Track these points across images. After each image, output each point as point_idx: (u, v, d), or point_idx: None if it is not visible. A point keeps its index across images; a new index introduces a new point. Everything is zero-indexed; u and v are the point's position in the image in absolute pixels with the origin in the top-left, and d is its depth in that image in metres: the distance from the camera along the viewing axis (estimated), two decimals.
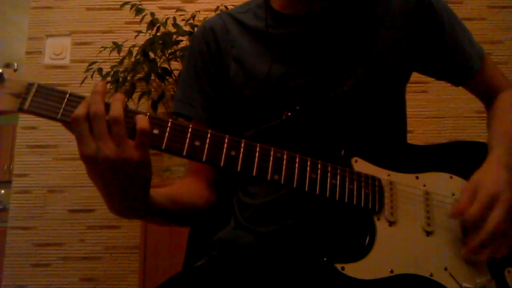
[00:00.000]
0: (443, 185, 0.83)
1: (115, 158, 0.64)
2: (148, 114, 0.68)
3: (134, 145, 0.65)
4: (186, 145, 0.69)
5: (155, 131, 0.68)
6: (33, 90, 0.66)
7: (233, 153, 0.70)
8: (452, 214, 0.78)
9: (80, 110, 0.64)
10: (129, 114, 0.67)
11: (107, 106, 0.65)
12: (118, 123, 0.64)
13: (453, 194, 0.82)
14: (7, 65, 0.70)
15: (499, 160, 0.83)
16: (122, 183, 0.67)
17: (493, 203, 0.75)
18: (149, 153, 0.67)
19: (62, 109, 0.66)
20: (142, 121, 0.66)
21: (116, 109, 0.65)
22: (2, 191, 5.62)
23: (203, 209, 0.94)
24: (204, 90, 0.96)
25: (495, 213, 0.74)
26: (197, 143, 0.69)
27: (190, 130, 0.69)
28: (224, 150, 0.70)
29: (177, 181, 0.96)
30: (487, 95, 1.00)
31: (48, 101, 0.66)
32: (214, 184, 0.97)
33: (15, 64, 0.72)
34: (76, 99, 0.67)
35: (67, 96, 0.67)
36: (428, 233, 0.78)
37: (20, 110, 0.66)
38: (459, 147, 0.93)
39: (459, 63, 0.95)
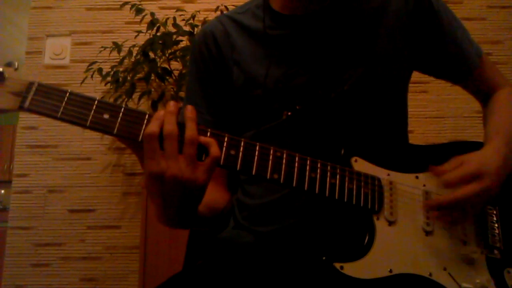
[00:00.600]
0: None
1: (182, 178, 0.65)
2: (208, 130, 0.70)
3: (202, 168, 0.67)
4: None
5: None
6: (34, 88, 0.67)
7: (232, 152, 0.71)
8: (431, 169, 0.81)
9: (153, 128, 0.66)
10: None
11: (180, 124, 0.67)
12: (193, 145, 0.66)
13: None
14: (8, 64, 0.70)
15: (497, 150, 0.83)
16: (182, 201, 0.70)
17: (473, 179, 0.77)
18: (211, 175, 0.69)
19: (62, 108, 0.67)
20: (216, 148, 0.68)
21: (192, 130, 0.67)
22: (2, 191, 5.62)
23: (228, 212, 0.96)
24: (209, 95, 0.96)
25: (469, 186, 0.76)
26: None
27: None
28: (224, 149, 0.70)
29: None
30: (485, 93, 1.00)
31: (48, 99, 0.67)
32: (228, 186, 0.99)
33: (16, 63, 0.72)
34: (76, 97, 0.67)
35: (67, 95, 0.67)
36: (428, 233, 0.78)
37: (21, 108, 0.66)
38: (458, 147, 0.93)
39: (459, 61, 0.96)
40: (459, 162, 0.80)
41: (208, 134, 0.70)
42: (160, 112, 0.68)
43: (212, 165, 0.68)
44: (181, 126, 0.67)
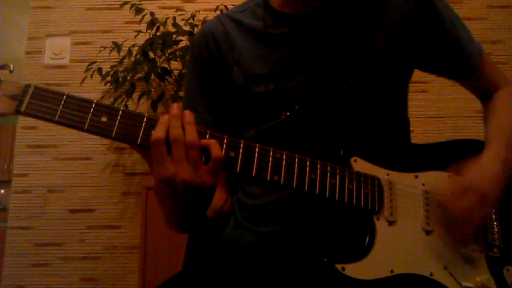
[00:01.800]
0: (442, 184, 0.83)
1: (191, 182, 0.66)
2: (208, 132, 0.69)
3: (207, 171, 0.67)
4: None
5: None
6: (30, 91, 0.65)
7: (232, 154, 0.70)
8: (440, 205, 0.79)
9: (160, 132, 0.66)
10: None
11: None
12: (195, 149, 0.66)
13: None
14: (3, 67, 0.68)
15: (496, 154, 0.83)
16: (190, 205, 0.70)
17: (482, 202, 0.77)
18: (218, 178, 0.69)
19: (59, 111, 0.65)
20: (217, 149, 0.67)
21: (192, 134, 0.67)
22: (2, 191, 5.62)
23: (228, 212, 0.96)
24: (208, 95, 0.96)
25: (481, 212, 0.77)
26: None
27: None
28: (223, 151, 0.70)
29: None
30: (485, 92, 1.00)
31: (45, 102, 0.65)
32: (228, 186, 0.99)
33: (11, 66, 0.71)
34: (73, 100, 0.66)
35: (64, 97, 0.66)
36: (428, 232, 0.78)
37: (17, 112, 0.65)
38: (457, 145, 0.93)
39: (460, 59, 0.96)
40: (464, 186, 0.79)
41: (207, 136, 0.70)
42: (165, 116, 0.67)
43: (216, 166, 0.68)
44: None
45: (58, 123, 0.65)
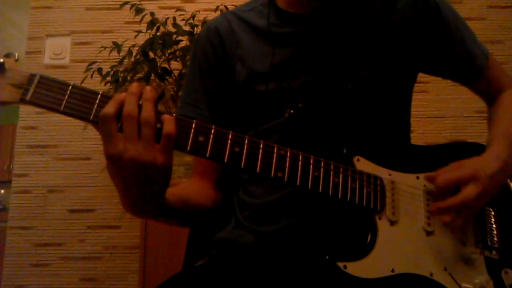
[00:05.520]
0: None
1: (140, 160, 0.64)
2: (174, 114, 0.68)
3: (159, 148, 0.65)
4: (190, 140, 0.69)
5: (158, 125, 0.67)
6: (35, 81, 0.65)
7: (237, 149, 0.70)
8: (427, 176, 0.81)
9: (110, 108, 0.64)
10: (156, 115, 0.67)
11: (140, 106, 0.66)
12: (149, 126, 0.64)
13: None
14: (8, 55, 0.68)
15: (497, 154, 0.83)
16: (142, 185, 0.67)
17: (469, 182, 0.77)
18: (172, 157, 0.67)
19: (65, 101, 0.65)
20: (169, 125, 0.66)
21: (148, 111, 0.65)
22: (2, 191, 5.62)
23: (209, 210, 0.94)
24: (209, 91, 0.96)
25: (467, 189, 0.77)
26: (201, 138, 0.69)
27: (194, 125, 0.69)
28: (228, 146, 0.70)
29: (185, 182, 0.98)
30: (491, 94, 1.01)
31: (50, 92, 0.65)
32: (218, 185, 0.98)
33: (16, 54, 0.70)
34: (79, 91, 0.66)
35: (70, 88, 0.66)
36: (428, 233, 0.79)
37: (22, 101, 0.64)
38: (458, 148, 0.93)
39: (466, 62, 0.96)
40: (457, 166, 0.81)
41: (212, 131, 0.70)
42: (121, 94, 0.66)
43: (167, 143, 0.65)
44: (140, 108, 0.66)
45: (64, 113, 0.65)
